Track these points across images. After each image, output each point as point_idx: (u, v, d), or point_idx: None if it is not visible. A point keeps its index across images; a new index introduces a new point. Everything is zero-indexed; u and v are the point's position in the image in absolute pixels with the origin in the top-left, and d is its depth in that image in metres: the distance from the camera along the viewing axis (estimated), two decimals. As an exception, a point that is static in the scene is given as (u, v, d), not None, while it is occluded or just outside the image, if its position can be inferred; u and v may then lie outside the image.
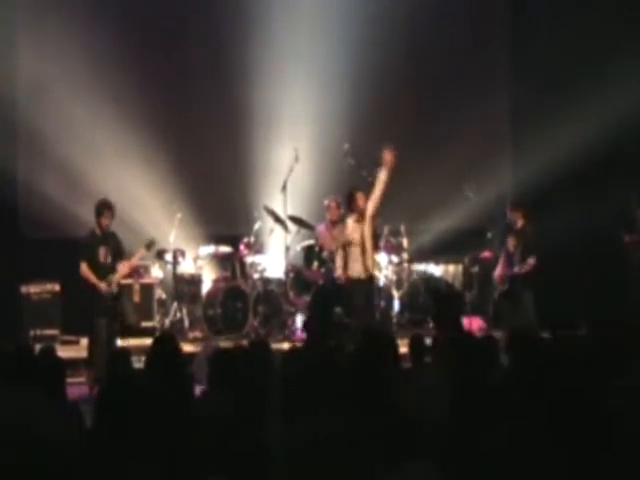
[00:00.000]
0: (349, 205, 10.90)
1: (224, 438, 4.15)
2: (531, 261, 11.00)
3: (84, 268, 10.43)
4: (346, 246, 10.87)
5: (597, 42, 13.18)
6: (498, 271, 11.40)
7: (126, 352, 7.06)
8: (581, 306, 11.04)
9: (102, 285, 10.39)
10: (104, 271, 10.47)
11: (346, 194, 11.03)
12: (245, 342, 8.57)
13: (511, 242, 11.27)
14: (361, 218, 10.77)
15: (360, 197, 10.79)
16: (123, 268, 10.59)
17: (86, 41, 13.08)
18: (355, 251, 10.81)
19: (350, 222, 10.87)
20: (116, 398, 4.47)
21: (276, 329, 12.22)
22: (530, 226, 11.26)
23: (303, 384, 5.00)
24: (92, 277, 10.40)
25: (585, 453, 3.74)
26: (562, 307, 11.89)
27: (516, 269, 11.10)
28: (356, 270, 10.79)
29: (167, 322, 12.47)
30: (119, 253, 10.64)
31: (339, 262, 10.99)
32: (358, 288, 10.86)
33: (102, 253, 10.51)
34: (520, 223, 11.27)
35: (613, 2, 13.52)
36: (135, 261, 10.88)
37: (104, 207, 10.46)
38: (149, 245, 10.92)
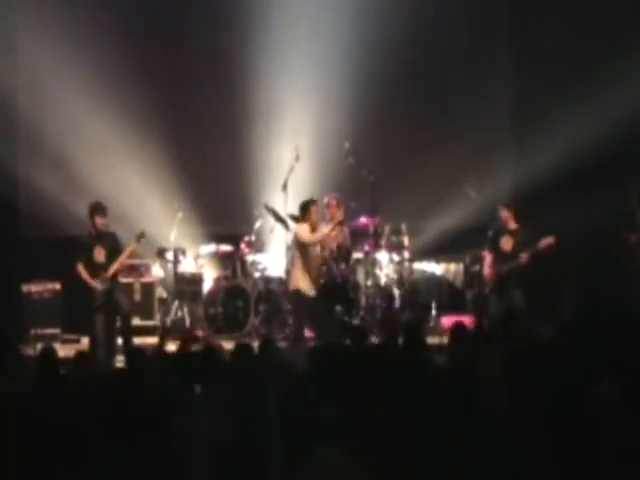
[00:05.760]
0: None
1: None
2: (524, 255, 10.95)
3: (79, 268, 10.73)
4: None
5: (599, 41, 13.16)
6: (489, 269, 11.28)
7: (141, 350, 7.11)
8: (581, 305, 11.07)
9: (94, 283, 10.63)
10: (98, 270, 10.71)
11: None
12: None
13: (507, 241, 11.19)
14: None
15: (314, 211, 10.99)
16: (118, 263, 10.77)
17: (86, 40, 13.11)
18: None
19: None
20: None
21: (277, 328, 12.22)
22: (523, 227, 11.18)
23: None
24: (85, 275, 10.70)
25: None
26: (563, 306, 11.95)
27: (513, 263, 10.99)
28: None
29: (168, 321, 12.48)
30: (117, 253, 10.79)
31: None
32: None
33: (97, 252, 10.75)
34: (513, 224, 11.21)
35: (615, 1, 13.50)
36: (126, 256, 10.94)
37: (95, 209, 10.77)
38: (139, 237, 11.00)
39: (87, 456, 4.27)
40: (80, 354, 6.71)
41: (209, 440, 4.32)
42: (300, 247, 10.84)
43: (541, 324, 10.37)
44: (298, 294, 10.84)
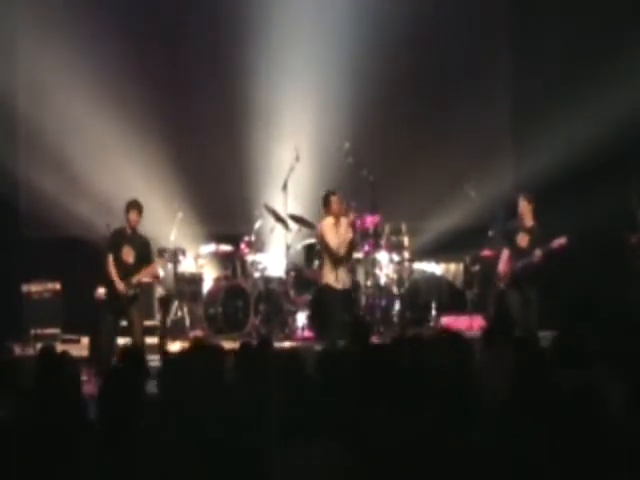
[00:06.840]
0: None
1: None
2: (538, 252, 10.89)
3: (109, 261, 10.53)
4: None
5: (599, 41, 13.17)
6: (503, 267, 11.18)
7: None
8: (582, 306, 11.04)
9: (120, 285, 10.45)
10: (124, 270, 10.53)
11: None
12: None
13: (524, 239, 11.07)
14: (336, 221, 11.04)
15: (335, 200, 10.85)
16: (145, 273, 10.69)
17: (86, 40, 13.11)
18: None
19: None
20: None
21: (277, 328, 12.22)
22: (539, 224, 11.12)
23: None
24: (114, 273, 10.48)
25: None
26: (564, 306, 11.94)
27: (527, 260, 10.91)
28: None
29: (168, 321, 12.46)
30: (144, 258, 10.68)
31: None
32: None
33: (126, 252, 10.57)
34: (530, 221, 11.09)
35: (615, 1, 13.50)
36: (156, 269, 10.89)
37: (132, 206, 10.57)
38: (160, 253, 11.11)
39: (86, 456, 4.27)
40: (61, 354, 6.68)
41: (208, 440, 4.32)
42: (323, 243, 10.78)
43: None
44: (327, 289, 10.77)
